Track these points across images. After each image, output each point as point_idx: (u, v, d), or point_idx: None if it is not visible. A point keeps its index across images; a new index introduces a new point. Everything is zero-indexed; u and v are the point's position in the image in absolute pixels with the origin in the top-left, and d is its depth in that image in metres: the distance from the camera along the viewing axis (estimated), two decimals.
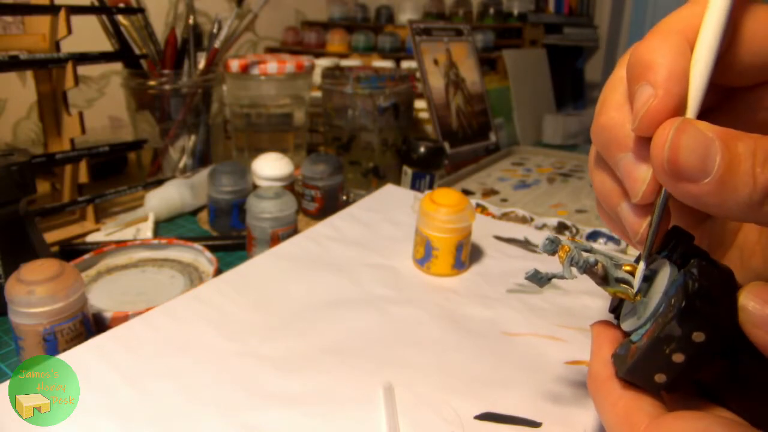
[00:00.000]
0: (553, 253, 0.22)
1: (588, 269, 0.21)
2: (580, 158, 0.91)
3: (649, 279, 0.21)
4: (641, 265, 0.21)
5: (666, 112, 0.17)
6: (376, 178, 0.76)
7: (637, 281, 0.21)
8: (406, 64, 1.02)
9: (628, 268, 0.22)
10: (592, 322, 0.24)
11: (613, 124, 0.19)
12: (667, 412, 0.19)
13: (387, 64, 1.03)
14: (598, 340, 0.23)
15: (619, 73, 0.20)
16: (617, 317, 0.24)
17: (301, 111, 0.82)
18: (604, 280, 0.21)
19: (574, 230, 0.57)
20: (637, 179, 0.18)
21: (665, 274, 0.20)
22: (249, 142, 0.82)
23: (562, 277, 0.22)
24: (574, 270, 0.21)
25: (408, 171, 0.70)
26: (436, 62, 0.85)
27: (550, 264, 0.49)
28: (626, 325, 0.22)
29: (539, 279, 0.23)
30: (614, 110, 0.19)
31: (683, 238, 0.21)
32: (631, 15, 1.96)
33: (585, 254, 0.21)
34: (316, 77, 0.87)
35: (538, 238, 0.53)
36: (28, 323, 0.34)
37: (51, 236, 0.55)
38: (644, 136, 0.18)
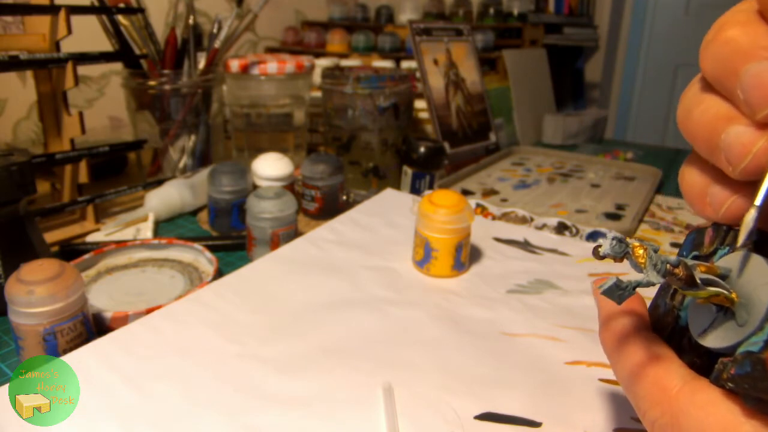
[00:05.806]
0: (622, 256, 0.17)
1: (669, 272, 0.17)
2: (580, 158, 0.91)
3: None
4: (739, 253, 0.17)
5: None
6: (376, 178, 0.76)
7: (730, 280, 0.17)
8: (406, 64, 1.02)
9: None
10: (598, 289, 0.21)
11: (738, 36, 0.18)
12: (700, 377, 0.18)
13: (387, 64, 1.03)
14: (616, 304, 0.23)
15: (740, 7, 0.19)
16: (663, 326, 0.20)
17: (301, 111, 0.82)
18: (689, 283, 0.17)
19: (574, 230, 0.57)
20: None
21: (750, 264, 0.18)
22: (249, 142, 0.82)
23: (648, 284, 0.17)
24: (655, 274, 0.17)
25: (408, 171, 0.70)
26: (436, 62, 0.85)
27: (547, 265, 0.49)
28: (717, 339, 0.18)
29: (620, 293, 0.17)
30: (739, 26, 0.18)
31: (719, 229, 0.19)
32: (631, 15, 1.96)
33: (660, 254, 0.17)
34: (316, 77, 0.87)
35: (538, 239, 0.53)
36: (28, 323, 0.34)
37: (51, 236, 0.55)
38: None
